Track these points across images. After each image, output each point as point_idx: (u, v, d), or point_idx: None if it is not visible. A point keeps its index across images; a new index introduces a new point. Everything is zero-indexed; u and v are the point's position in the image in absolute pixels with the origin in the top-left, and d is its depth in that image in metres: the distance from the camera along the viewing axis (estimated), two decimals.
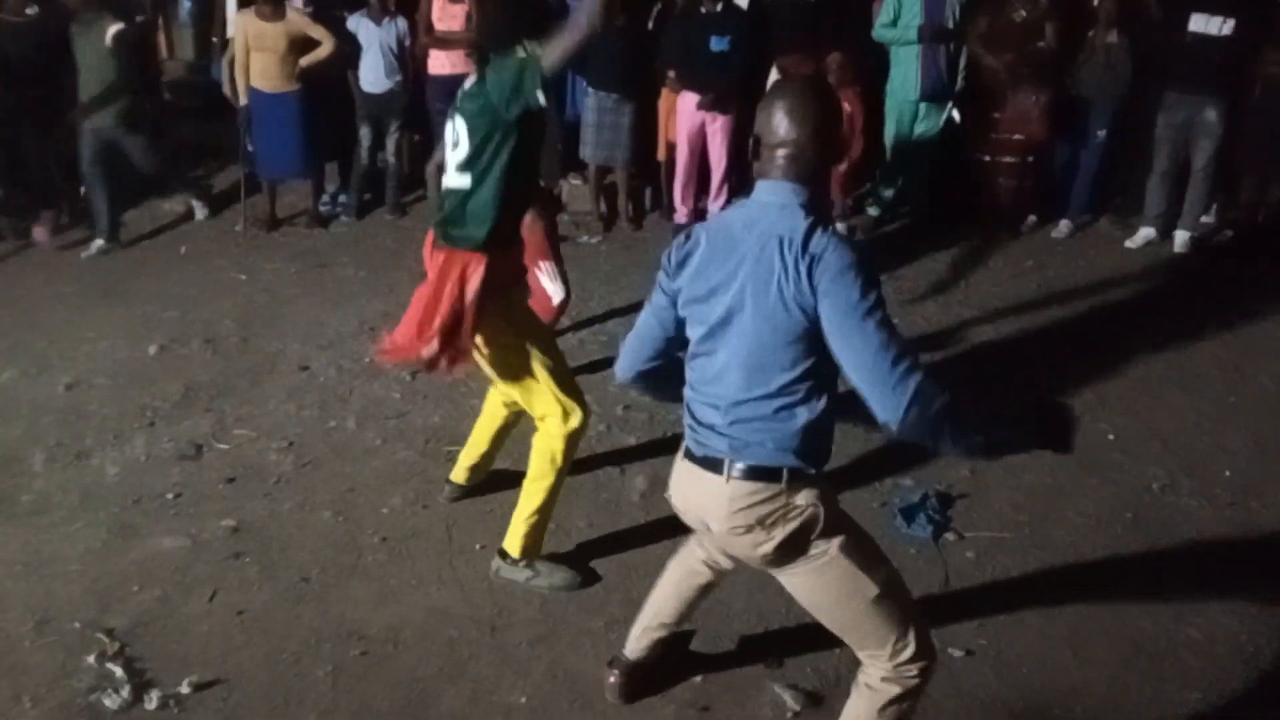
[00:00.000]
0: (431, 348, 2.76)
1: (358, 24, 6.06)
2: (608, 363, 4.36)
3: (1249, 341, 4.67)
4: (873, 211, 6.21)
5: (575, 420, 2.89)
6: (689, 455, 2.07)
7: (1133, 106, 5.74)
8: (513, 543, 3.03)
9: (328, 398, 4.21)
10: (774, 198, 1.91)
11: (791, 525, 1.96)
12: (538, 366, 2.87)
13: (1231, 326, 4.79)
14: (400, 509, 3.43)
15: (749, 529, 1.97)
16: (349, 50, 6.07)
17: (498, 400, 3.28)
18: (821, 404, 1.93)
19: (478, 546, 3.22)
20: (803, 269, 1.81)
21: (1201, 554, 3.23)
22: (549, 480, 2.95)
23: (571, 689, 2.64)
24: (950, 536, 3.28)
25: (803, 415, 1.92)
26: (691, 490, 2.08)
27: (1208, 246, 5.80)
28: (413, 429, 3.96)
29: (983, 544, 3.25)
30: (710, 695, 2.61)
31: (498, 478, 3.44)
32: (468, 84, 2.77)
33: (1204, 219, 5.92)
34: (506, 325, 2.85)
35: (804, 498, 1.96)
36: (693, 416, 2.06)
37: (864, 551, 2.03)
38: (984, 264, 5.67)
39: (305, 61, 5.93)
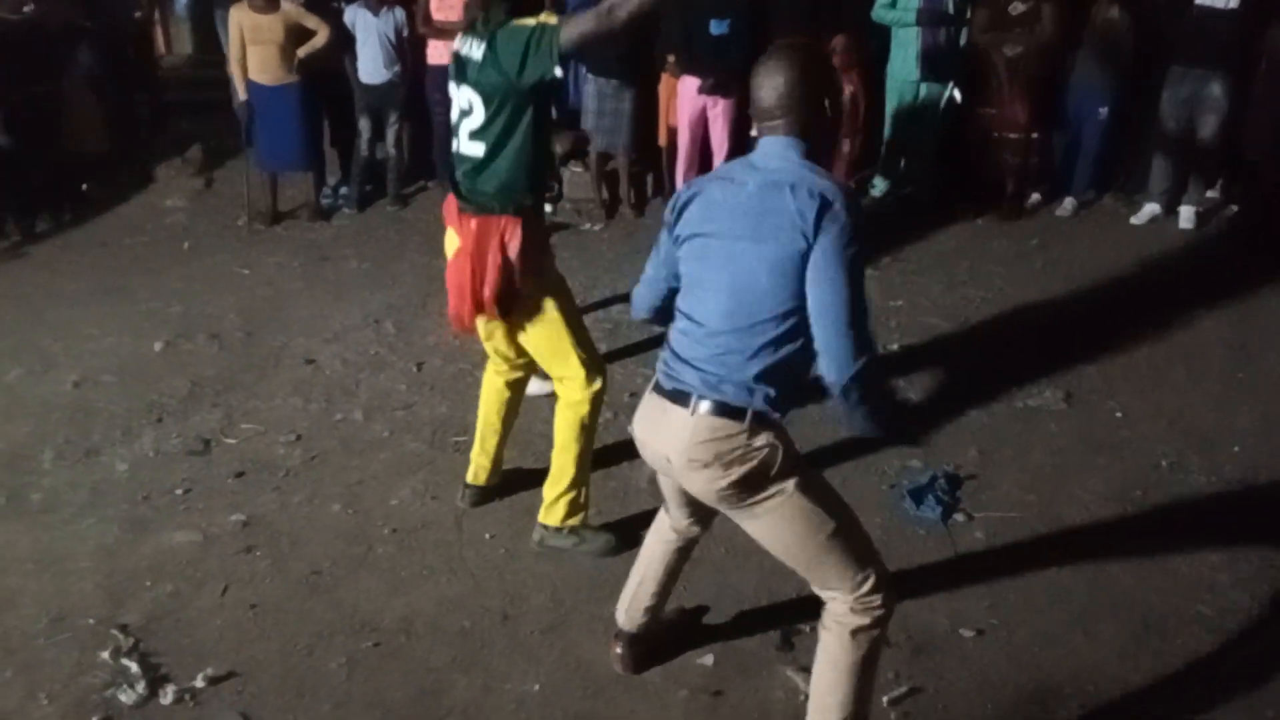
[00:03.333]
0: (488, 310, 2.81)
1: (355, 15, 6.04)
2: (613, 353, 4.36)
3: (1255, 318, 4.65)
4: (876, 192, 6.19)
5: (599, 383, 2.95)
6: (658, 388, 2.13)
7: (1136, 83, 5.70)
8: (552, 514, 3.07)
9: (334, 391, 4.21)
10: (773, 150, 2.01)
11: (749, 465, 2.01)
12: (566, 328, 2.90)
13: (1238, 303, 4.77)
14: (409, 500, 3.44)
15: (705, 465, 2.02)
16: (344, 39, 6.06)
17: (497, 381, 3.26)
18: (797, 347, 1.99)
19: (487, 536, 3.22)
20: (810, 210, 1.89)
21: (1211, 531, 3.22)
22: (579, 445, 2.98)
23: (584, 676, 2.65)
24: (959, 517, 3.28)
25: (779, 354, 1.98)
26: (656, 423, 2.12)
27: (1213, 222, 5.77)
28: (420, 420, 3.96)
29: (992, 524, 3.25)
30: (722, 679, 2.62)
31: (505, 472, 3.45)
32: (470, 50, 2.73)
33: (1209, 194, 5.89)
34: (540, 284, 2.87)
35: (763, 439, 2.01)
36: (670, 349, 2.12)
37: (820, 491, 2.10)
38: (988, 242, 5.65)
39: (303, 52, 5.93)
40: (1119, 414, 3.91)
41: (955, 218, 5.88)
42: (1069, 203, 6.00)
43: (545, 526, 3.10)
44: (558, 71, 2.58)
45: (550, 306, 2.89)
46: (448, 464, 3.64)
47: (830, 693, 2.14)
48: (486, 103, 2.70)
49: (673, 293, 2.17)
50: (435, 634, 2.81)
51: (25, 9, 5.88)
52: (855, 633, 2.10)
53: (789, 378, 2.01)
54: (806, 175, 1.94)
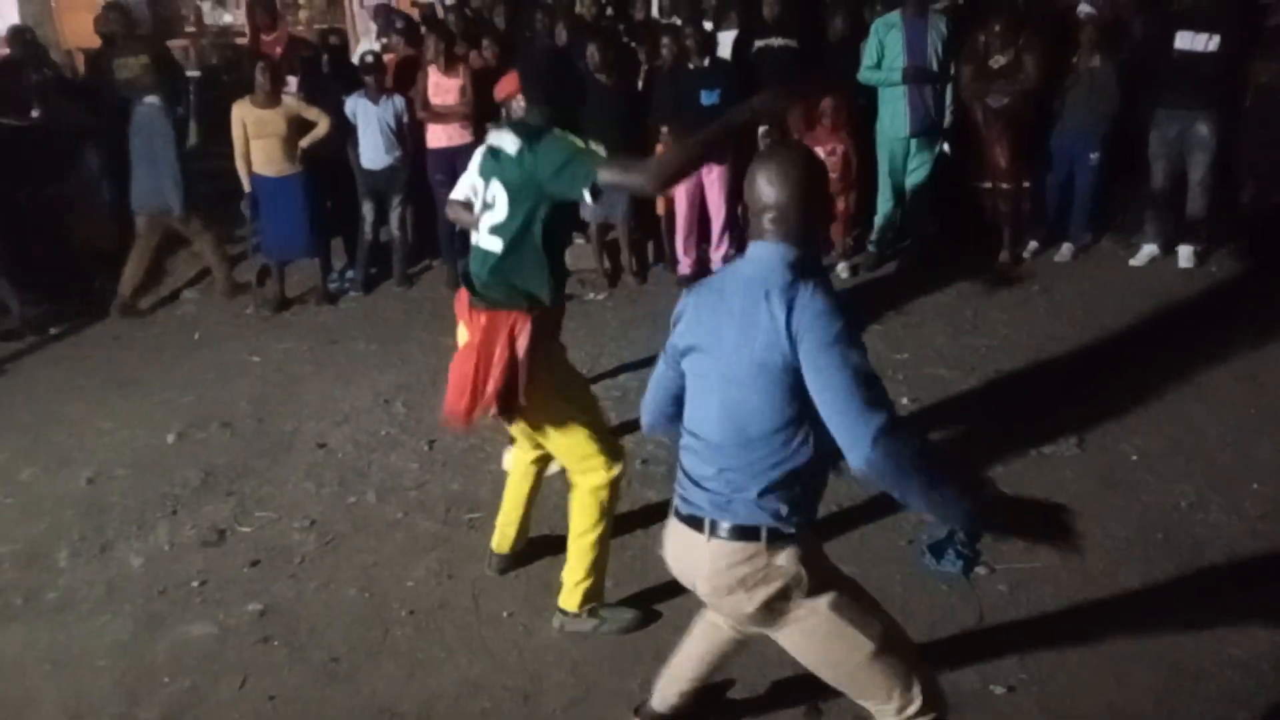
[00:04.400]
0: (488, 406, 2.79)
1: (355, 104, 6.18)
2: (624, 423, 4.37)
3: (1263, 351, 4.64)
4: (872, 248, 6.24)
5: (618, 468, 2.95)
6: (676, 514, 2.09)
7: (1123, 126, 5.78)
8: (570, 599, 3.05)
9: (346, 473, 4.22)
10: (762, 255, 1.96)
11: (774, 586, 1.95)
12: (579, 418, 2.90)
13: (1244, 337, 4.77)
14: (425, 580, 3.42)
15: (730, 590, 1.97)
16: (345, 127, 6.19)
17: (524, 460, 3.27)
18: (804, 456, 1.93)
19: (505, 614, 3.20)
20: (780, 315, 1.85)
21: (1236, 570, 3.18)
22: (599, 530, 2.98)
23: None
24: (981, 570, 3.24)
25: (782, 468, 1.93)
26: (678, 549, 2.10)
27: (1212, 259, 5.80)
28: (433, 499, 3.96)
29: (1015, 575, 3.21)
30: None
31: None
32: (504, 144, 2.76)
33: (1206, 232, 5.92)
34: (549, 379, 2.87)
35: (784, 558, 1.95)
36: (682, 470, 2.09)
37: (856, 607, 2.02)
38: (990, 291, 5.68)
39: (305, 142, 6.06)
40: (1134, 456, 3.89)
41: (954, 269, 5.92)
42: (1067, 248, 6.04)
43: (565, 612, 3.07)
44: (588, 198, 2.61)
45: (561, 401, 2.88)
46: (462, 541, 3.62)
47: None
48: (511, 200, 2.73)
49: (677, 398, 2.13)
50: (456, 717, 2.77)
51: (32, 114, 6.03)
52: None
53: (797, 489, 1.96)
54: (782, 279, 1.89)
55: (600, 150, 2.66)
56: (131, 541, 3.81)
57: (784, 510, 1.94)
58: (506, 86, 3.69)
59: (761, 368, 1.88)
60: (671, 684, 2.51)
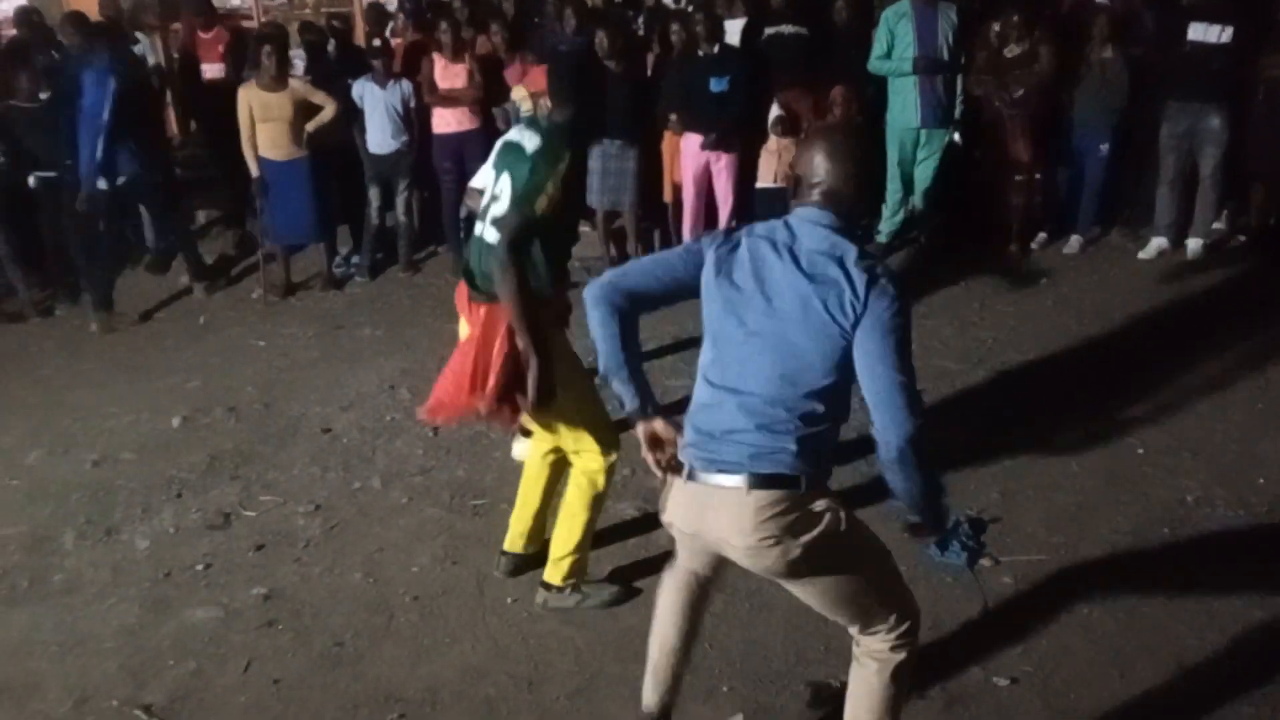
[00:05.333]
0: (488, 401, 2.78)
1: (362, 88, 6.17)
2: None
3: (1271, 346, 4.62)
4: (881, 238, 6.22)
5: (613, 456, 2.96)
6: (693, 477, 2.07)
7: (1134, 118, 5.75)
8: (555, 573, 3.07)
9: (352, 459, 4.22)
10: (812, 220, 2.03)
11: (817, 529, 2.00)
12: (578, 404, 2.91)
13: (1252, 332, 4.75)
14: (430, 566, 3.43)
15: (778, 540, 1.99)
16: (352, 112, 6.18)
17: (539, 455, 3.24)
18: (839, 418, 2.04)
19: (510, 600, 3.20)
20: (860, 284, 1.94)
21: (1242, 565, 3.17)
22: (589, 512, 3.00)
23: None
24: (986, 562, 3.23)
25: (824, 423, 2.01)
26: (703, 510, 2.07)
27: (1221, 253, 5.77)
28: (438, 485, 3.96)
29: (1019, 568, 3.21)
30: None
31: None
32: (524, 140, 2.77)
33: (1215, 225, 5.90)
34: (568, 381, 2.86)
35: (823, 503, 2.03)
36: (699, 430, 2.07)
37: (870, 541, 2.16)
38: (997, 283, 5.66)
39: (311, 126, 6.04)
40: (1140, 450, 3.87)
41: (963, 260, 5.90)
42: (1075, 240, 6.02)
43: (548, 586, 3.09)
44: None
45: (566, 382, 2.86)
46: (467, 528, 3.63)
47: None
48: (513, 190, 2.73)
49: (647, 298, 2.17)
50: (460, 703, 2.78)
51: (40, 95, 6.02)
52: (897, 669, 2.15)
53: (829, 443, 2.05)
54: (853, 249, 1.99)
55: (533, 211, 2.67)
56: (137, 525, 3.82)
57: (820, 461, 2.03)
58: (537, 81, 3.67)
59: (827, 326, 1.95)
60: (659, 672, 2.43)
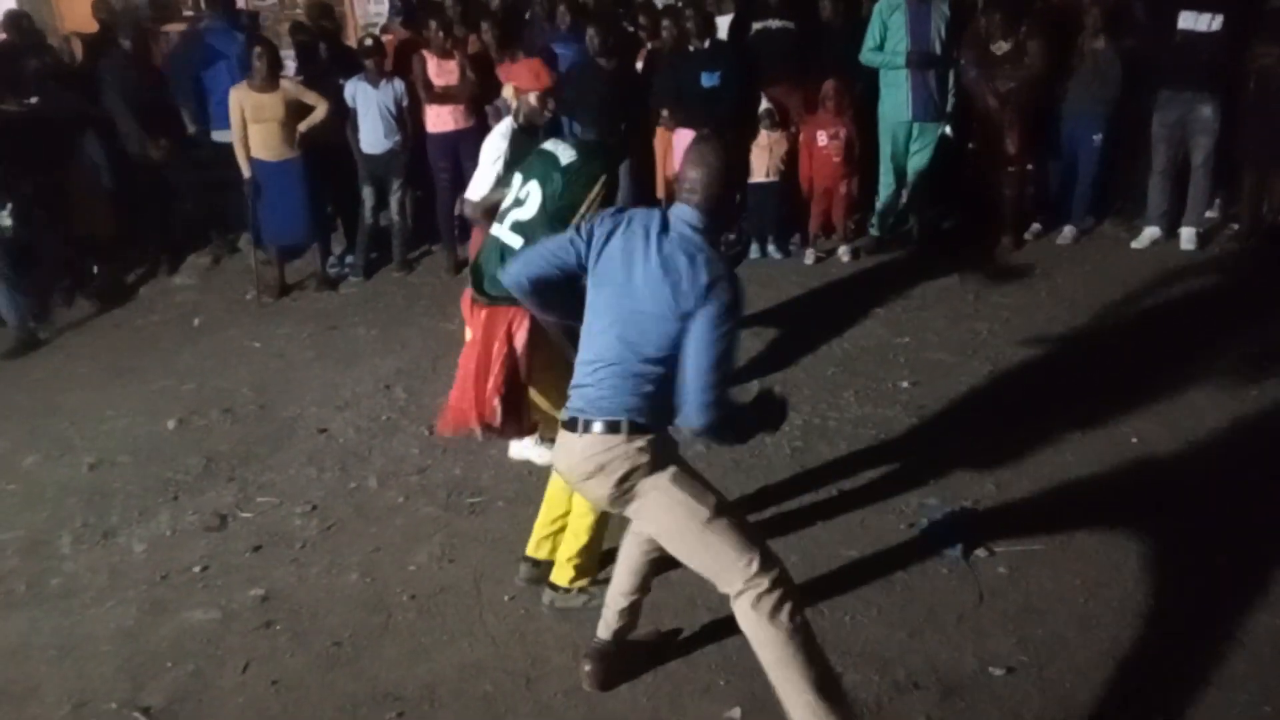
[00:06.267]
0: (495, 411, 2.80)
1: (355, 88, 6.16)
2: None
3: (1264, 333, 4.63)
4: (874, 232, 6.23)
5: None
6: (563, 423, 2.42)
7: (1126, 109, 5.76)
8: (561, 575, 3.07)
9: (348, 458, 4.22)
10: (682, 217, 2.32)
11: (626, 466, 2.30)
12: None
13: (1245, 320, 4.76)
14: (427, 565, 3.43)
15: (591, 475, 2.34)
16: (343, 111, 6.17)
17: None
18: (668, 384, 2.29)
19: (506, 598, 3.21)
20: (703, 280, 2.22)
21: (1238, 554, 3.18)
22: (595, 514, 2.99)
23: None
24: (981, 553, 3.24)
25: (652, 387, 2.30)
26: (560, 452, 2.43)
27: (1214, 242, 5.78)
28: (434, 484, 3.96)
29: (1014, 558, 3.22)
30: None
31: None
32: (560, 152, 2.83)
33: (1208, 214, 5.91)
34: (549, 365, 2.89)
35: (638, 443, 2.31)
36: (572, 383, 2.41)
37: (694, 483, 2.36)
38: (991, 275, 5.67)
39: (303, 126, 6.04)
40: (1134, 439, 3.88)
41: (956, 252, 5.91)
42: (1069, 231, 6.03)
43: (555, 587, 3.09)
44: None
45: (562, 383, 2.88)
46: (464, 527, 3.63)
47: (784, 685, 2.27)
48: (544, 201, 2.79)
49: (549, 283, 2.45)
50: (459, 700, 2.79)
51: (30, 100, 6.00)
52: (770, 616, 2.25)
53: (662, 401, 2.31)
54: (706, 250, 2.27)
55: (564, 228, 2.70)
56: (134, 528, 3.83)
57: (645, 411, 2.30)
58: (543, 80, 3.67)
59: (671, 308, 2.23)
60: (611, 606, 2.74)
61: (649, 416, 2.32)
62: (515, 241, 2.82)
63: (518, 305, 2.78)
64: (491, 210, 3.32)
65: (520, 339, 2.78)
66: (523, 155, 3.19)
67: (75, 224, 6.60)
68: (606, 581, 3.10)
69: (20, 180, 5.96)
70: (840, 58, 5.89)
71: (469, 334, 2.99)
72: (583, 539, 3.02)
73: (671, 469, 2.35)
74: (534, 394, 3.08)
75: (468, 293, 2.94)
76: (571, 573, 3.06)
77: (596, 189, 2.77)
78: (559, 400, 2.91)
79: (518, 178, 2.90)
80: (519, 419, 2.91)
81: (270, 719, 2.77)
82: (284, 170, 6.04)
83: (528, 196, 2.81)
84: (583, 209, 2.77)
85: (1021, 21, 5.68)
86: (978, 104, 5.82)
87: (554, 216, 2.75)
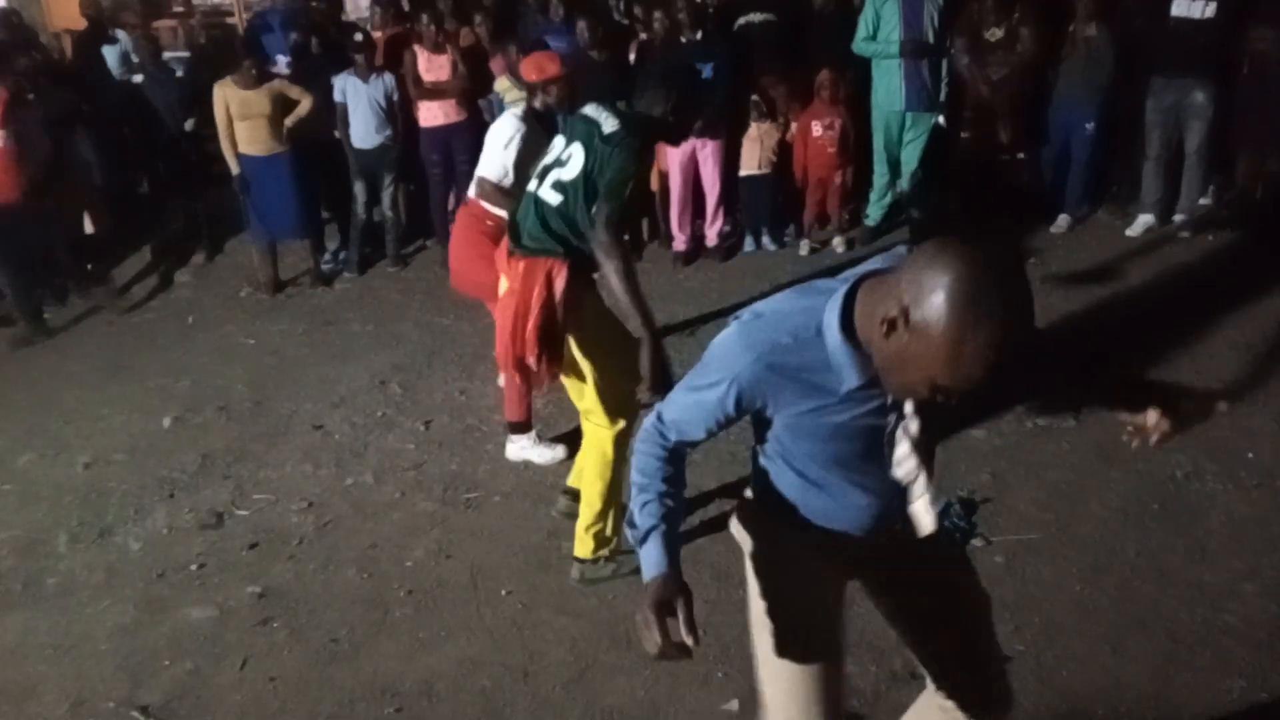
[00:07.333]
0: (533, 348, 2.87)
1: (345, 82, 6.12)
2: None
3: (1258, 320, 4.64)
4: (870, 221, 6.22)
5: (622, 423, 3.01)
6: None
7: (1119, 95, 5.75)
8: (583, 547, 3.12)
9: (344, 455, 4.22)
10: None
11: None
12: (598, 371, 2.96)
13: (1240, 306, 4.76)
14: (424, 560, 3.43)
15: None
16: (329, 105, 6.14)
17: None
18: None
19: (504, 593, 3.21)
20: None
21: (1232, 539, 3.19)
22: (603, 481, 3.03)
23: None
24: (978, 542, 3.25)
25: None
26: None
27: (1208, 228, 5.78)
28: (430, 479, 3.96)
29: (1011, 547, 3.22)
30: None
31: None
32: (603, 119, 2.86)
33: (1202, 201, 5.90)
34: (579, 323, 2.94)
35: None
36: None
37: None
38: None
39: (289, 121, 6.02)
40: (1130, 427, 3.87)
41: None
42: (1063, 219, 6.02)
43: (580, 560, 3.15)
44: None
45: (589, 347, 2.95)
46: (460, 522, 3.63)
47: None
48: (587, 165, 2.82)
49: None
50: (457, 695, 2.79)
51: (27, 99, 5.97)
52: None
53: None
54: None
55: (623, 199, 2.80)
56: (130, 526, 3.82)
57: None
58: (548, 69, 3.78)
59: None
60: None
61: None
62: (554, 199, 2.87)
63: (557, 257, 2.86)
64: (504, 190, 3.65)
65: (559, 285, 2.84)
66: (538, 143, 3.32)
67: (69, 222, 6.57)
68: (630, 552, 3.13)
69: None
70: (827, 48, 5.86)
71: (504, 284, 3.02)
72: (597, 506, 3.07)
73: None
74: (575, 377, 3.07)
75: (504, 245, 3.02)
76: (592, 543, 3.11)
77: (641, 156, 2.84)
78: (599, 385, 2.96)
79: (559, 140, 2.97)
80: (555, 362, 2.94)
81: (268, 716, 2.77)
82: (273, 164, 6.02)
83: (569, 158, 2.87)
84: (634, 176, 2.82)
85: (1014, 7, 5.67)
86: (970, 91, 5.80)
87: (611, 189, 2.79)
